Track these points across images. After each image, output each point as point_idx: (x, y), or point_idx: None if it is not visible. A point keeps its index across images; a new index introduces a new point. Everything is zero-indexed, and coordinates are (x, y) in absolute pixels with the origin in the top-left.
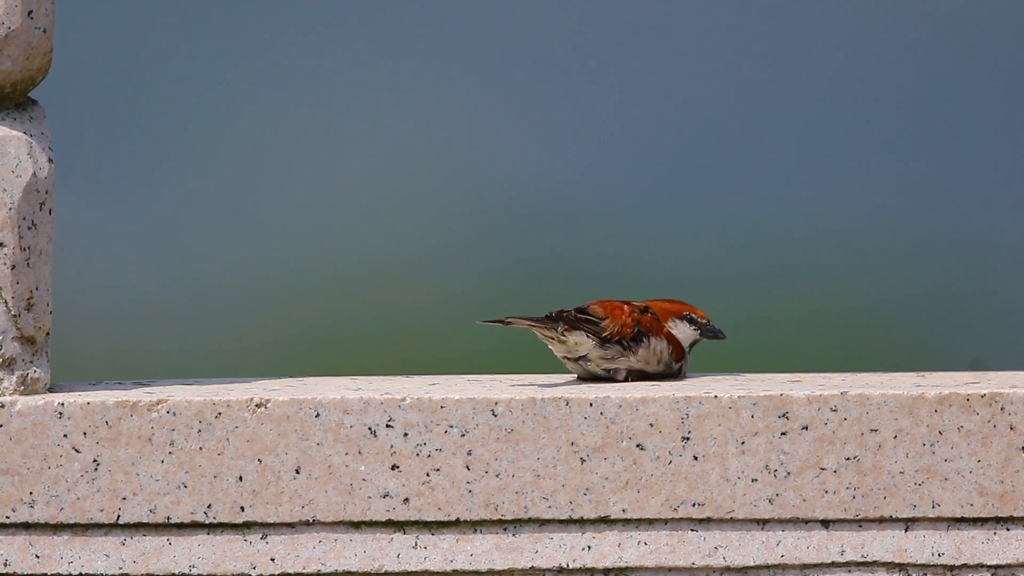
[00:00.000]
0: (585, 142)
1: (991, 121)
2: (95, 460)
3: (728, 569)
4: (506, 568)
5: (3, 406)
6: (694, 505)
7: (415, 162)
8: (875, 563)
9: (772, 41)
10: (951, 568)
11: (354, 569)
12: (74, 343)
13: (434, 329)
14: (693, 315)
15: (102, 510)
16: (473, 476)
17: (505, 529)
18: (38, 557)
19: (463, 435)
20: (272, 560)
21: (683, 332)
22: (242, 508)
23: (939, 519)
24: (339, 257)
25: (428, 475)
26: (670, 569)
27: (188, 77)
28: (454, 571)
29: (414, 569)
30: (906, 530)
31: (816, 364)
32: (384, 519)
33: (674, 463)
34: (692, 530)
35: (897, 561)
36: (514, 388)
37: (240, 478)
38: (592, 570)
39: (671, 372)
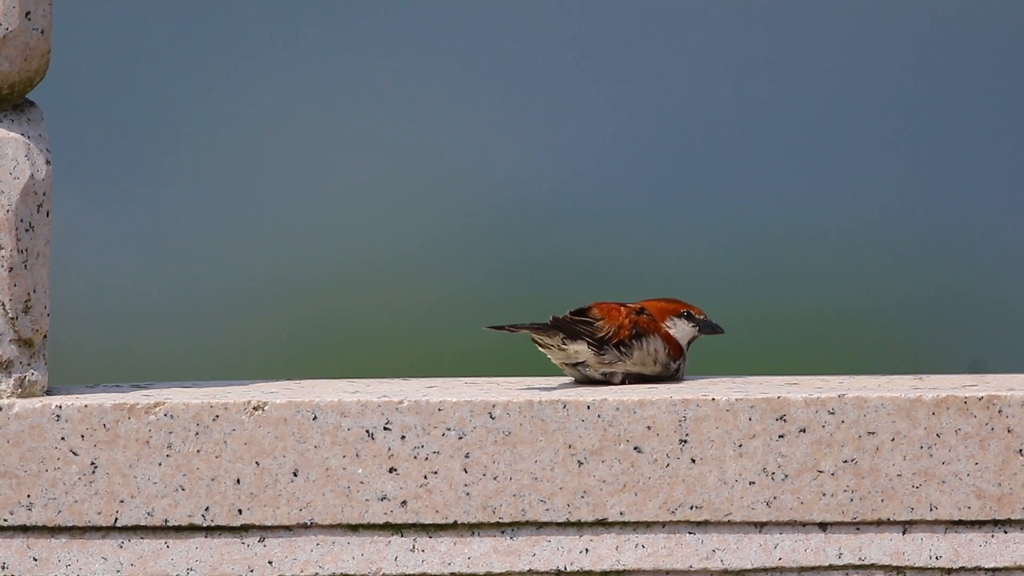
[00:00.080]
0: (585, 142)
1: (991, 121)
2: (93, 463)
3: (726, 572)
4: (504, 571)
5: (0, 409)
6: (692, 508)
7: (414, 163)
8: (873, 566)
9: (772, 41)
10: (949, 571)
11: (352, 572)
12: (72, 346)
13: (432, 332)
14: (690, 312)
15: (100, 513)
16: (471, 479)
17: (503, 532)
18: (36, 560)
19: (461, 438)
20: (270, 563)
21: (681, 330)
22: (240, 511)
23: (937, 522)
24: (336, 259)
25: (426, 478)
26: (668, 572)
27: (186, 79)
28: (452, 574)
29: (412, 572)
30: (904, 533)
31: (815, 366)
32: (382, 522)
33: (672, 466)
34: (690, 533)
35: (895, 564)
36: (512, 391)
37: (238, 481)
38: (590, 573)
39: (669, 373)
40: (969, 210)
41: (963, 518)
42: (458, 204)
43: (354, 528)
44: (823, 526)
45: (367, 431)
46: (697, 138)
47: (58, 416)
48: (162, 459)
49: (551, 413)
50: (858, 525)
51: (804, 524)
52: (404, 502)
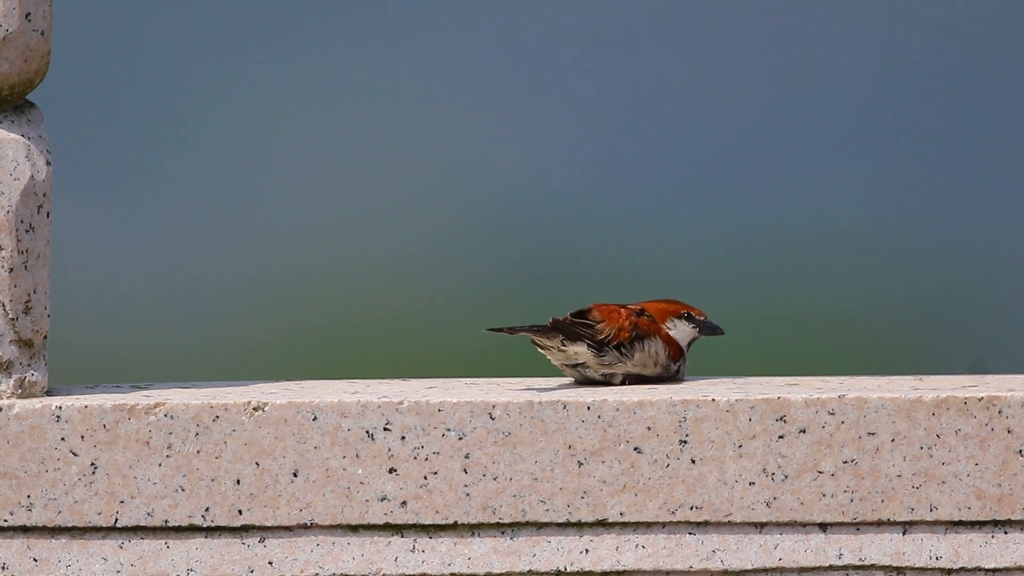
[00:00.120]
0: (584, 143)
1: (991, 121)
2: (93, 463)
3: (726, 572)
4: (504, 571)
5: (1, 409)
6: (692, 508)
7: (414, 164)
8: (873, 566)
9: (772, 41)
10: (949, 571)
11: (352, 572)
12: (72, 346)
13: (432, 332)
14: (690, 313)
15: (100, 513)
16: (471, 479)
17: (503, 532)
18: (36, 560)
19: (461, 438)
20: (270, 563)
21: (682, 331)
22: (240, 511)
23: (937, 522)
24: (336, 260)
25: (426, 478)
26: (668, 572)
27: (186, 80)
28: (452, 574)
29: (412, 572)
30: (904, 533)
31: (815, 367)
32: (382, 522)
33: (672, 466)
34: (690, 533)
35: (895, 564)
36: (512, 391)
37: (238, 481)
38: (590, 573)
39: (669, 374)
40: (969, 210)
41: (963, 519)
42: (458, 204)
43: (354, 529)
44: (823, 526)
45: (367, 432)
46: (697, 138)
47: (58, 417)
48: (162, 460)
49: (551, 414)
50: (858, 526)
51: (804, 525)
52: (404, 503)
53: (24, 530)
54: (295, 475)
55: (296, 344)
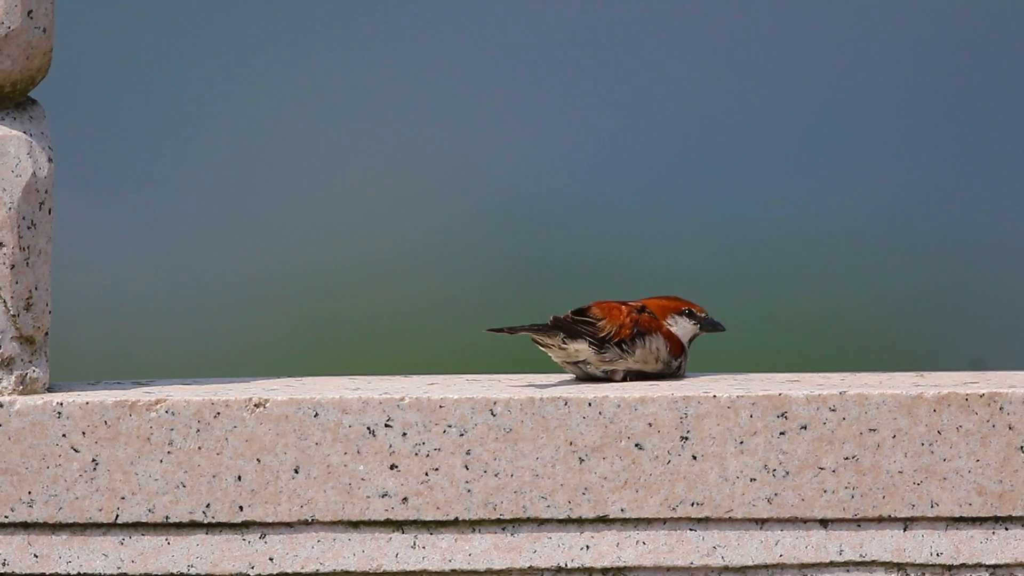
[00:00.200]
0: (585, 142)
1: (991, 121)
2: (94, 460)
3: (727, 569)
4: (504, 568)
5: (2, 406)
6: (693, 505)
7: (414, 162)
8: (874, 563)
9: (772, 41)
10: (949, 568)
11: (352, 569)
12: (73, 343)
13: (433, 329)
14: (691, 309)
15: (101, 510)
16: (472, 476)
17: (504, 529)
18: (37, 557)
19: (462, 435)
20: (271, 560)
21: (683, 328)
22: (241, 508)
23: (938, 519)
24: (338, 257)
25: (427, 475)
26: (668, 569)
27: (188, 77)
28: (452, 571)
29: (412, 569)
30: (905, 530)
31: (816, 364)
32: (383, 519)
33: (673, 463)
34: (691, 530)
35: (896, 561)
36: (513, 388)
37: (239, 478)
38: (591, 570)
39: (670, 371)
40: (970, 209)
41: (964, 515)
42: (459, 202)
43: (355, 525)
44: (824, 523)
45: (368, 428)
46: (696, 137)
47: (59, 413)
48: (163, 456)
49: (552, 410)
50: (859, 522)
51: (805, 521)
52: (405, 499)
53: (25, 526)
54: (296, 471)
55: (297, 341)
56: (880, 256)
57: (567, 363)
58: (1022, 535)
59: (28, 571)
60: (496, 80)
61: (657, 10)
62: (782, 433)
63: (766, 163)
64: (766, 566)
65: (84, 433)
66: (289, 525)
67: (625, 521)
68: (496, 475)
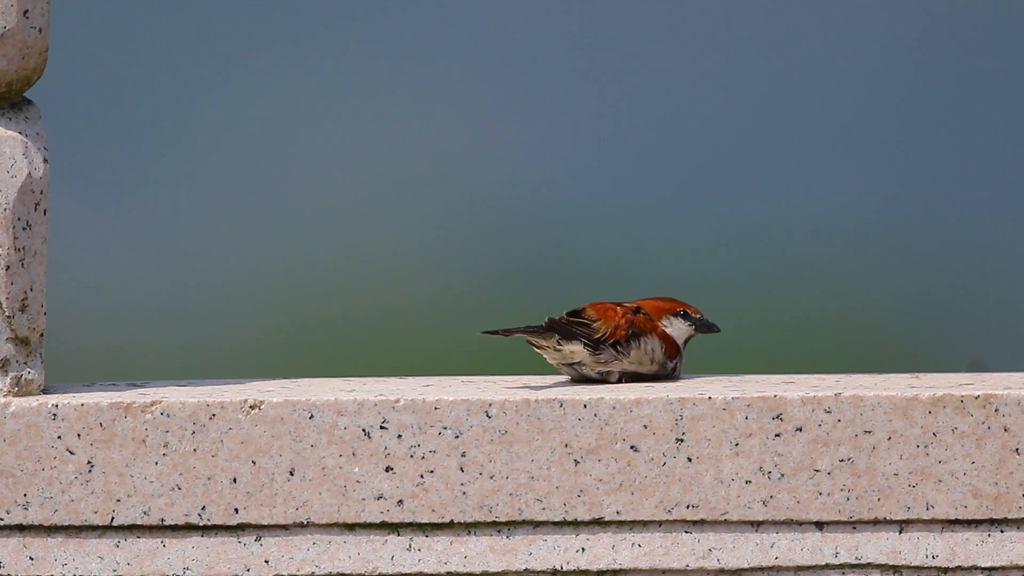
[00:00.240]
0: (583, 142)
1: (991, 121)
2: (89, 462)
3: (722, 571)
4: (500, 570)
5: None
6: (688, 507)
7: (411, 163)
8: (869, 565)
9: (772, 41)
10: (945, 570)
11: (348, 571)
12: (68, 344)
13: (429, 331)
14: (687, 311)
15: (96, 512)
16: (467, 478)
17: (499, 531)
18: (32, 559)
19: (457, 437)
20: (266, 562)
21: (678, 329)
22: (236, 510)
23: (933, 521)
24: (333, 258)
25: (422, 477)
26: (664, 571)
27: (184, 78)
28: (448, 573)
29: (408, 571)
30: (900, 532)
31: (812, 365)
32: (378, 521)
33: (668, 465)
34: (686, 532)
35: (891, 563)
36: (508, 390)
37: (234, 480)
38: (586, 572)
39: (665, 372)
40: (968, 210)
41: (960, 517)
42: (457, 204)
43: (350, 527)
44: (819, 525)
45: (363, 430)
46: (696, 138)
47: (54, 415)
48: (159, 458)
49: (548, 412)
50: (854, 524)
51: (800, 523)
52: (400, 501)
53: (20, 529)
54: (291, 473)
55: (292, 342)
56: (877, 257)
57: (562, 365)
58: (1017, 537)
59: (23, 574)
60: (495, 80)
61: (657, 10)
62: (777, 435)
63: (763, 164)
64: (761, 568)
65: (79, 435)
66: (284, 527)
67: (621, 523)
68: (492, 477)
